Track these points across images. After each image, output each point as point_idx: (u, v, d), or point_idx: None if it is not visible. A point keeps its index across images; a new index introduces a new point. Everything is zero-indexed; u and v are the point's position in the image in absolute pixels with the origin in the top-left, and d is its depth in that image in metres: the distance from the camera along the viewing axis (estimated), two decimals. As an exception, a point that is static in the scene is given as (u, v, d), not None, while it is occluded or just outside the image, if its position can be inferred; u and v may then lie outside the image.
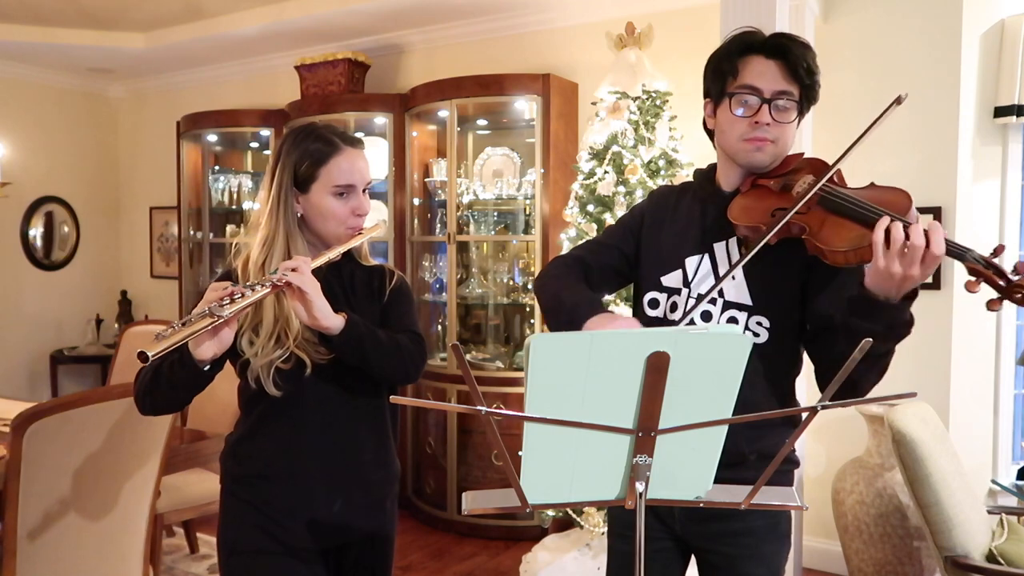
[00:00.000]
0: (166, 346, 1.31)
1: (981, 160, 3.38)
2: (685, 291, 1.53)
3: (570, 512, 3.32)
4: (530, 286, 4.08)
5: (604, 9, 4.02)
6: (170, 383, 1.50)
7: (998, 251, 1.28)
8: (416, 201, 4.42)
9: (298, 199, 1.61)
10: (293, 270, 1.45)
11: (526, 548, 3.51)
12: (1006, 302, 1.26)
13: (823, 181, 1.41)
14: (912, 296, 1.32)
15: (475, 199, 4.20)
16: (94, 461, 2.21)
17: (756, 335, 1.49)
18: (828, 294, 1.46)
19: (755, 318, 1.49)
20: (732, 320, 1.50)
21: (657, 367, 1.02)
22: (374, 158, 4.42)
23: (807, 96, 1.50)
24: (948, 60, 3.34)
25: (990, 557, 2.55)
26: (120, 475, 2.32)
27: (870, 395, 1.14)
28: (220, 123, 5.04)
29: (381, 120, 4.41)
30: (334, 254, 1.58)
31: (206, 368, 1.48)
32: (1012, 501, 3.21)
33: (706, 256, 1.53)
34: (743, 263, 1.42)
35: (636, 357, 1.02)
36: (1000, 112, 3.29)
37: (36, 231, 5.84)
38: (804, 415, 1.09)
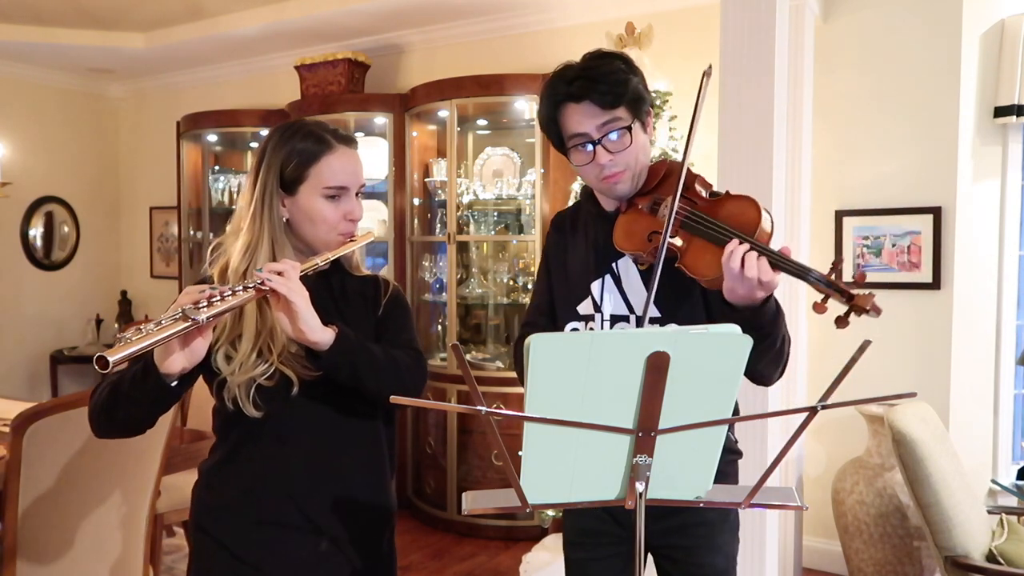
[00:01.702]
0: (131, 351, 1.12)
1: (981, 160, 3.38)
2: (598, 316, 1.57)
3: (570, 512, 3.31)
4: (530, 286, 4.08)
5: (604, 9, 4.02)
6: (130, 400, 1.32)
7: (836, 265, 1.32)
8: (416, 201, 4.42)
9: (284, 202, 1.44)
10: (279, 273, 1.29)
11: (526, 548, 3.51)
12: (852, 316, 1.30)
13: (674, 208, 1.42)
14: (768, 300, 1.38)
15: (475, 199, 4.20)
16: (94, 461, 2.21)
17: None
18: (713, 298, 1.49)
19: (668, 327, 1.51)
20: None
21: (657, 367, 1.02)
22: (374, 158, 4.42)
23: (635, 108, 1.49)
24: (948, 60, 3.34)
25: (990, 557, 2.55)
26: (120, 475, 2.32)
27: (870, 395, 1.13)
28: (220, 123, 5.04)
29: (381, 120, 4.41)
30: (324, 260, 1.42)
31: (173, 384, 1.30)
32: (1012, 501, 3.21)
33: (607, 276, 1.57)
34: (651, 297, 1.43)
35: (636, 357, 1.02)
36: (1000, 112, 3.29)
37: (36, 231, 5.84)
38: (804, 415, 1.09)
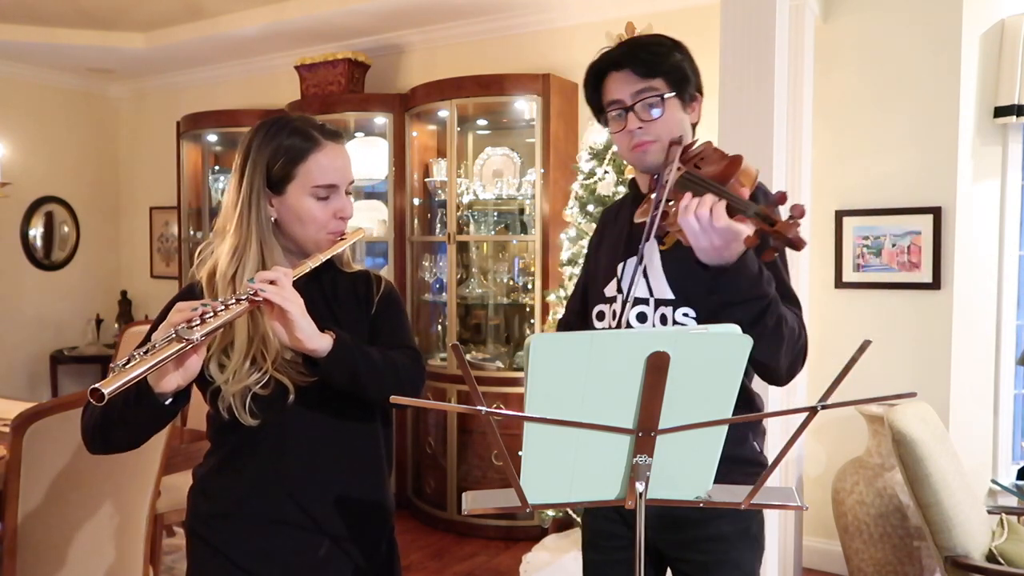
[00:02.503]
0: (126, 379, 1.09)
1: (981, 160, 3.38)
2: (620, 297, 1.56)
3: (570, 512, 3.32)
4: (530, 286, 4.08)
5: (604, 9, 4.02)
6: (124, 422, 1.27)
7: (780, 199, 1.24)
8: (416, 201, 4.43)
9: (271, 201, 1.39)
10: (271, 283, 1.26)
11: (526, 548, 3.51)
12: (774, 242, 1.24)
13: (674, 163, 1.41)
14: (743, 260, 1.31)
15: (475, 199, 4.20)
16: (94, 461, 2.21)
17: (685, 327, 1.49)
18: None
19: (680, 310, 1.50)
20: (663, 317, 1.51)
21: (657, 367, 1.02)
22: (374, 158, 4.42)
23: (675, 82, 1.50)
24: (948, 60, 3.34)
25: (990, 557, 2.55)
26: (120, 475, 2.32)
27: (870, 395, 1.13)
28: (220, 123, 5.04)
29: (381, 120, 4.41)
30: (316, 263, 1.38)
31: (167, 402, 1.26)
32: (1012, 501, 3.21)
33: (634, 259, 1.55)
34: (637, 272, 1.44)
35: (636, 357, 1.02)
36: (1000, 112, 3.29)
37: (36, 231, 5.84)
38: (804, 415, 1.09)
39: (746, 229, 1.26)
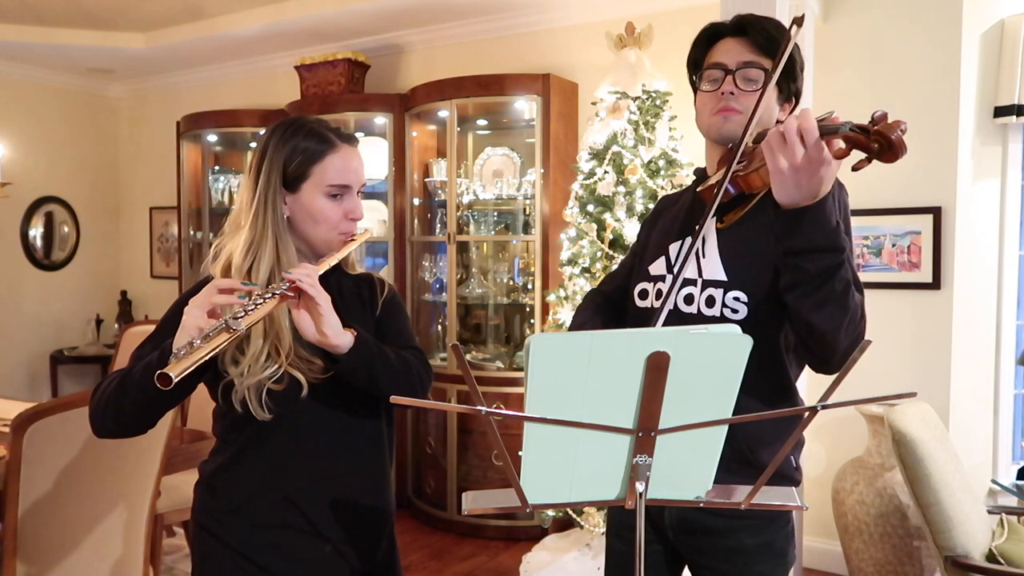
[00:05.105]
0: (189, 364, 1.17)
1: (981, 160, 3.38)
2: (669, 277, 1.52)
3: (570, 512, 3.32)
4: (530, 286, 4.08)
5: (604, 9, 4.02)
6: (143, 390, 1.30)
7: (876, 119, 1.17)
8: (416, 201, 4.43)
9: (285, 200, 1.43)
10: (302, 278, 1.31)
11: (526, 548, 3.51)
12: (875, 162, 1.17)
13: (756, 109, 1.39)
14: (823, 203, 1.25)
15: (475, 199, 4.20)
16: (94, 461, 2.21)
17: (734, 311, 1.44)
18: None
19: (731, 293, 1.44)
20: (710, 299, 1.46)
21: (657, 367, 1.02)
22: (374, 158, 4.43)
23: (783, 70, 1.44)
24: (948, 60, 3.34)
25: (990, 557, 2.55)
26: (120, 475, 2.32)
27: (870, 395, 1.12)
28: (220, 123, 5.04)
29: (381, 120, 4.42)
30: (334, 261, 1.43)
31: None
32: (1012, 501, 3.21)
33: (688, 239, 1.51)
34: (703, 226, 1.40)
35: (636, 357, 1.02)
36: (1000, 112, 3.29)
37: (36, 231, 5.85)
38: (804, 415, 1.09)
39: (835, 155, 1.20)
